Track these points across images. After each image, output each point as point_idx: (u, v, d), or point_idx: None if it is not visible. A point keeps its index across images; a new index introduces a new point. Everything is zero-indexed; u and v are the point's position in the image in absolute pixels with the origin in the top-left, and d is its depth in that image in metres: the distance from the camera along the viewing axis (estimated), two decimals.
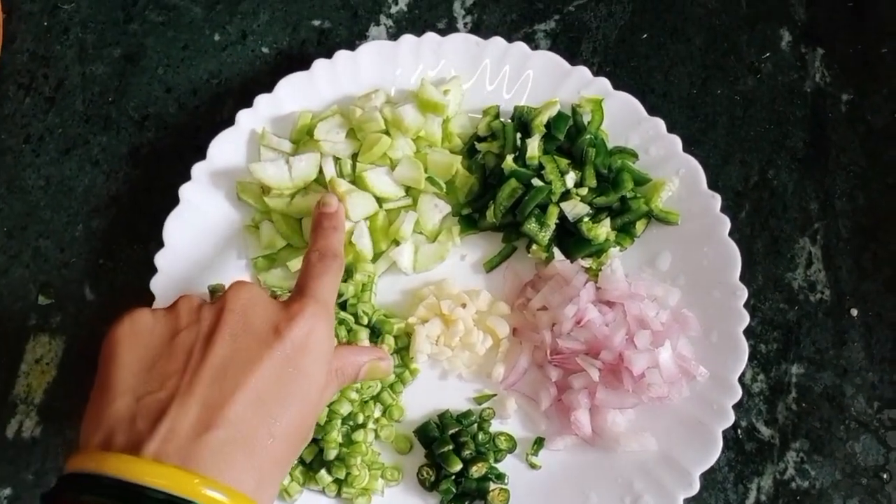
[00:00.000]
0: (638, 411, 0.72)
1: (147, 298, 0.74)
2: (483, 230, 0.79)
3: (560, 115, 0.79)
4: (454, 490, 0.70)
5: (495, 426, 0.74)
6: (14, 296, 0.80)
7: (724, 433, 0.70)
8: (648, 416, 0.72)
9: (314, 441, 0.70)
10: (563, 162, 0.77)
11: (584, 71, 0.80)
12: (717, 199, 0.75)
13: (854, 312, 0.79)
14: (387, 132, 0.78)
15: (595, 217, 0.77)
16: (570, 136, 0.78)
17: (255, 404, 0.49)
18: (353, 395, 0.70)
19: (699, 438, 0.70)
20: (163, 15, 0.90)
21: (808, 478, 0.75)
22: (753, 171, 0.84)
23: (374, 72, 0.82)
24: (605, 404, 0.71)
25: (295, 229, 0.77)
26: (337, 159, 0.78)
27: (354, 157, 0.79)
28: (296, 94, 0.80)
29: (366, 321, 0.74)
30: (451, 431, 0.72)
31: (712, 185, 0.77)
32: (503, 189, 0.76)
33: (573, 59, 0.82)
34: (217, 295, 0.70)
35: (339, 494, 0.71)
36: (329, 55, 0.81)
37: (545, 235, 0.75)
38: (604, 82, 0.80)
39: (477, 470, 0.70)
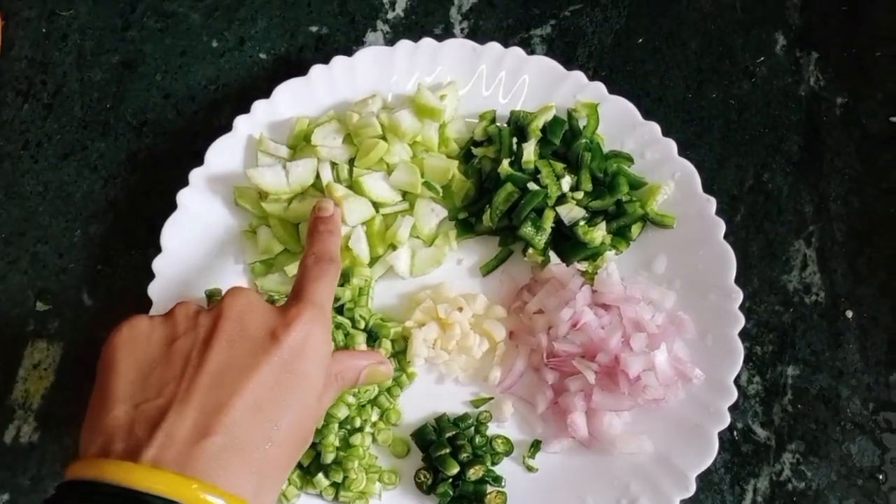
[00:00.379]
0: (634, 414, 0.73)
1: (145, 304, 0.74)
2: (479, 234, 0.80)
3: (556, 119, 0.79)
4: (451, 493, 0.71)
5: (492, 429, 0.74)
6: (12, 301, 0.80)
7: (720, 435, 0.70)
8: (644, 419, 0.72)
9: (312, 445, 0.70)
10: (559, 166, 0.78)
11: (579, 75, 0.81)
12: (712, 203, 0.76)
13: (849, 314, 0.80)
14: (383, 137, 0.78)
15: (591, 221, 0.77)
16: (566, 140, 0.79)
17: (252, 410, 0.49)
18: (351, 399, 0.71)
19: (695, 440, 0.70)
20: (161, 22, 0.90)
21: (805, 479, 0.75)
22: (748, 174, 0.84)
23: (371, 77, 0.82)
24: (602, 407, 0.71)
25: (292, 234, 0.77)
26: (334, 164, 0.79)
27: (351, 162, 0.79)
28: (293, 99, 0.81)
29: (363, 325, 0.74)
30: (448, 435, 0.72)
31: (707, 189, 0.78)
32: (499, 193, 0.76)
33: (569, 64, 0.82)
34: (214, 300, 0.71)
35: (336, 498, 0.71)
36: (327, 61, 0.81)
37: (541, 239, 0.76)
38: (599, 87, 0.80)
39: (474, 473, 0.70)
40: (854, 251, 0.82)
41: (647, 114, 0.80)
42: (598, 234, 0.76)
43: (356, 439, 0.71)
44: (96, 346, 0.77)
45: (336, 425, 0.70)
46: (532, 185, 0.76)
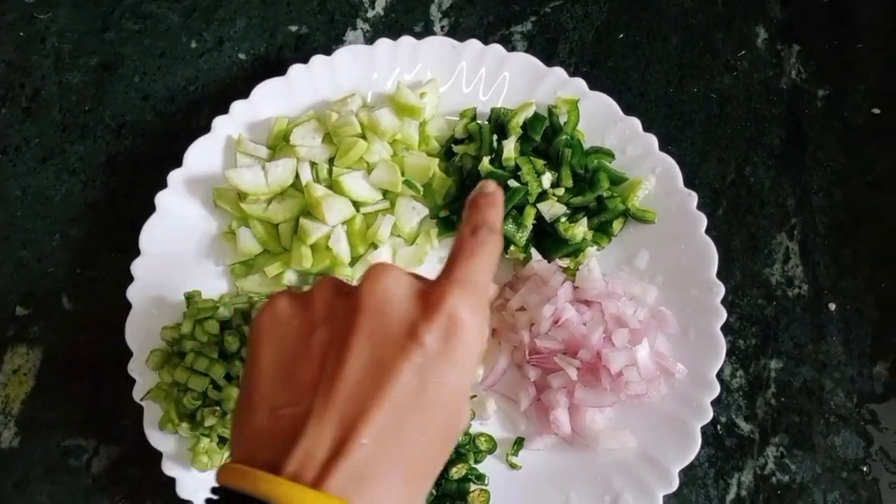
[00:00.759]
0: (617, 409, 0.73)
1: (126, 307, 0.73)
2: None
3: (536, 116, 0.79)
4: (434, 492, 0.70)
5: (475, 427, 0.74)
6: None
7: (704, 429, 0.70)
8: (627, 414, 0.72)
9: None
10: (540, 163, 0.77)
11: (559, 72, 0.80)
12: (693, 197, 0.75)
13: (832, 307, 0.80)
14: (363, 136, 0.78)
15: (572, 217, 0.77)
16: (547, 136, 0.79)
17: (393, 422, 0.45)
18: None
19: (678, 435, 0.70)
20: (139, 23, 0.90)
21: (789, 472, 0.75)
22: (730, 168, 0.84)
23: (351, 76, 0.82)
24: (584, 403, 0.71)
25: (272, 235, 0.77)
26: (313, 164, 0.78)
27: (331, 161, 0.79)
28: (272, 99, 0.80)
29: None
30: None
31: (689, 183, 0.78)
32: None
33: (550, 61, 0.82)
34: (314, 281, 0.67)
35: None
36: (306, 60, 0.81)
37: (522, 236, 0.76)
38: (579, 83, 0.80)
39: (457, 471, 0.70)
40: (836, 243, 0.82)
41: (629, 109, 0.80)
42: (580, 230, 0.75)
43: None
44: (77, 349, 0.78)
45: None
46: (513, 183, 0.76)
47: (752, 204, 0.83)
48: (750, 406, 0.77)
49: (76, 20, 0.90)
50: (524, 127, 0.78)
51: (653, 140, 0.78)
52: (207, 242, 0.78)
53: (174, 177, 0.77)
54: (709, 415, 0.70)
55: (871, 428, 0.76)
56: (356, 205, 0.78)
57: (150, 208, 0.76)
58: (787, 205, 0.83)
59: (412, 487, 0.45)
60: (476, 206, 0.53)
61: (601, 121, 0.79)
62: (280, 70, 0.81)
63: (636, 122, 0.78)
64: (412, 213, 0.79)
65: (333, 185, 0.77)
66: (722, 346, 0.71)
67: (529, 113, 0.79)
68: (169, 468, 0.71)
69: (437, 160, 0.79)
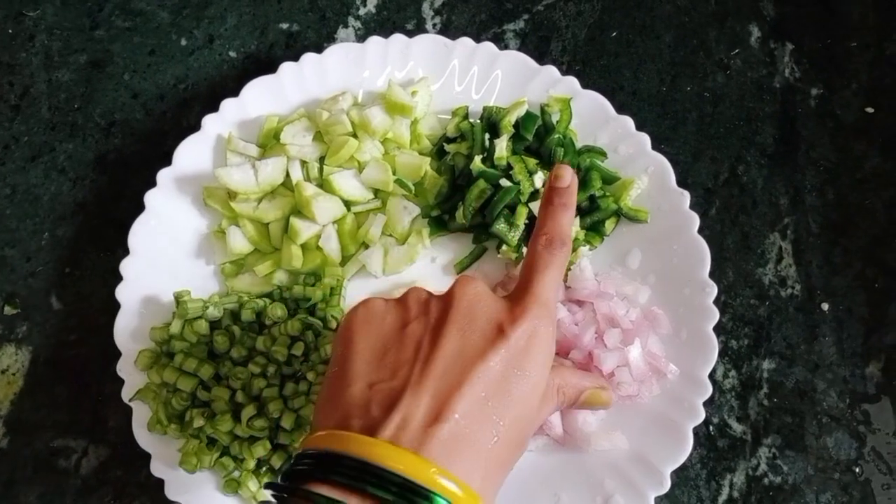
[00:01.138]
0: (609, 410, 0.72)
1: (115, 307, 0.73)
2: (453, 232, 0.79)
3: (528, 114, 0.78)
4: None
5: None
6: None
7: (696, 430, 0.69)
8: (619, 415, 0.72)
9: (282, 447, 0.70)
10: (532, 162, 0.77)
11: (552, 70, 0.80)
12: (686, 197, 0.75)
13: (825, 307, 0.79)
14: (354, 135, 0.77)
15: None
16: (539, 135, 0.78)
17: (480, 402, 0.49)
18: None
19: (670, 436, 0.69)
20: (129, 20, 0.89)
21: (781, 473, 0.75)
22: (723, 167, 0.84)
23: (342, 74, 0.81)
24: None
25: (262, 234, 0.77)
26: (304, 163, 0.78)
27: (322, 160, 0.78)
28: (262, 97, 0.80)
29: (334, 325, 0.73)
30: None
31: (682, 183, 0.77)
32: (472, 190, 0.75)
33: (543, 59, 0.82)
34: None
35: None
36: (297, 58, 0.80)
37: (515, 236, 0.75)
38: (572, 81, 0.79)
39: None
40: (829, 243, 0.81)
41: (622, 108, 0.80)
42: (572, 229, 0.75)
43: None
44: (65, 349, 0.78)
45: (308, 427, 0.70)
46: (505, 182, 0.75)
47: (745, 203, 0.83)
48: (742, 407, 0.77)
49: (65, 18, 0.89)
50: (516, 126, 0.78)
51: (645, 139, 0.77)
52: (197, 242, 0.78)
53: (164, 176, 0.76)
54: (701, 416, 0.69)
55: (863, 429, 0.76)
56: (347, 204, 0.77)
57: (140, 207, 0.75)
58: (780, 204, 0.83)
59: (492, 471, 0.49)
60: (551, 209, 0.61)
61: (593, 120, 0.79)
62: (271, 68, 0.80)
63: (629, 121, 0.78)
64: (403, 212, 0.78)
65: (324, 184, 0.77)
66: (714, 346, 0.71)
67: (521, 112, 0.78)
68: (157, 469, 0.70)
69: (428, 159, 0.79)
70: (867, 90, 0.87)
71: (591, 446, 0.70)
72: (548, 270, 0.57)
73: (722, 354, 0.77)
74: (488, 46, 0.81)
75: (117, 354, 0.72)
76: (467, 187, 0.76)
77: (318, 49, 0.81)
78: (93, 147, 0.85)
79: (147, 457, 0.70)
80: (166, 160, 0.77)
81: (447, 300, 0.55)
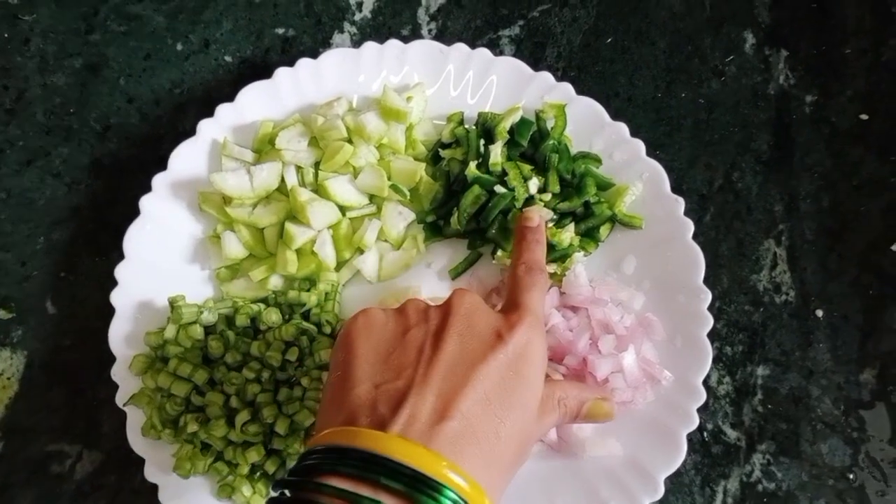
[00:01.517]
0: None
1: (109, 311, 0.73)
2: (448, 237, 0.79)
3: (523, 120, 0.78)
4: None
5: None
6: None
7: (691, 436, 0.70)
8: (613, 422, 0.71)
9: (276, 452, 0.70)
10: (527, 168, 0.77)
11: (547, 76, 0.80)
12: (680, 203, 0.75)
13: (819, 313, 0.80)
14: (349, 140, 0.77)
15: (559, 222, 0.76)
16: (534, 141, 0.78)
17: (482, 402, 0.51)
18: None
19: (664, 443, 0.70)
20: (125, 24, 0.89)
21: (775, 480, 0.75)
22: (718, 173, 0.84)
23: (337, 80, 0.81)
24: None
25: (258, 239, 0.77)
26: (299, 168, 0.78)
27: (317, 165, 0.78)
28: (258, 102, 0.80)
29: (329, 331, 0.73)
30: None
31: (677, 189, 0.77)
32: (466, 196, 0.75)
33: (538, 65, 0.82)
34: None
35: None
36: (293, 63, 0.80)
37: (509, 242, 0.75)
38: (567, 87, 0.79)
39: None
40: (824, 249, 0.82)
41: (617, 114, 0.80)
42: (567, 235, 0.75)
43: None
44: (60, 354, 0.78)
45: (303, 433, 0.70)
46: (500, 188, 0.75)
47: (740, 210, 0.83)
48: (737, 413, 0.77)
49: (60, 21, 0.89)
50: (511, 132, 0.78)
51: (640, 145, 0.77)
52: (192, 246, 0.78)
53: (159, 180, 0.76)
54: (695, 422, 0.69)
55: (857, 435, 0.76)
56: (342, 209, 0.77)
57: (135, 212, 0.75)
58: (775, 210, 0.83)
59: (495, 470, 0.50)
60: (525, 243, 0.68)
61: (588, 126, 0.79)
62: (266, 73, 0.80)
63: (623, 128, 0.78)
64: (399, 217, 0.78)
65: (319, 190, 0.77)
66: (708, 353, 0.71)
67: (516, 118, 0.78)
68: (152, 475, 0.70)
69: (423, 164, 0.79)
70: (862, 97, 0.87)
71: (585, 452, 0.70)
72: (534, 289, 0.62)
73: (716, 360, 0.77)
74: (483, 52, 0.81)
75: (112, 359, 0.72)
76: (462, 193, 0.76)
77: (314, 54, 0.81)
78: (88, 151, 0.85)
79: (141, 462, 0.70)
80: (161, 165, 0.77)
81: (446, 309, 0.57)
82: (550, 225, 0.75)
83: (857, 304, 0.80)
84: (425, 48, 0.82)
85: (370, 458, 0.46)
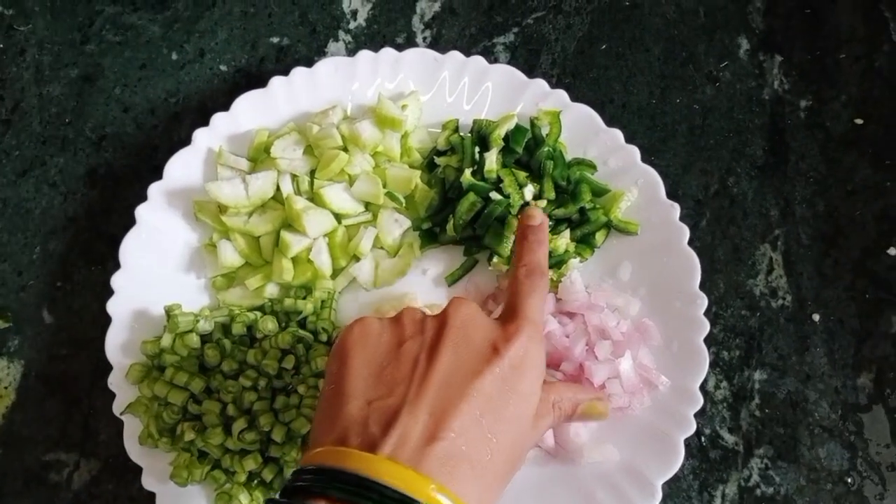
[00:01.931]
0: (600, 422, 0.72)
1: (106, 321, 0.73)
2: (444, 244, 0.79)
3: (518, 127, 0.79)
4: None
5: None
6: None
7: (688, 441, 0.69)
8: (610, 427, 0.72)
9: (273, 460, 0.70)
10: (522, 175, 0.77)
11: (541, 83, 0.80)
12: (675, 209, 0.75)
13: (816, 318, 0.80)
14: (344, 148, 0.78)
15: (554, 229, 0.77)
16: (529, 148, 0.78)
17: (475, 419, 0.51)
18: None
19: (661, 448, 0.69)
20: (120, 34, 0.89)
21: (773, 484, 0.75)
22: (713, 179, 0.84)
23: (332, 88, 0.81)
24: None
25: (253, 248, 0.77)
26: (294, 176, 0.78)
27: (312, 173, 0.78)
28: (253, 111, 0.80)
29: (325, 338, 0.73)
30: None
31: (672, 195, 0.77)
32: (462, 203, 0.75)
33: (532, 72, 0.82)
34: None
35: None
36: (288, 72, 0.80)
37: (506, 248, 0.75)
38: (561, 94, 0.80)
39: None
40: (820, 254, 0.82)
41: (612, 120, 0.80)
42: (562, 241, 0.75)
43: None
44: (57, 363, 0.78)
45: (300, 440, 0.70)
46: (495, 195, 0.75)
47: (735, 215, 0.83)
48: (734, 418, 0.77)
49: (56, 32, 0.89)
50: (506, 139, 0.78)
51: (635, 152, 0.78)
52: (188, 255, 0.78)
53: (154, 189, 0.76)
54: (692, 427, 0.69)
55: (855, 439, 0.76)
56: (338, 217, 0.77)
57: (131, 221, 0.75)
58: (771, 215, 0.83)
59: (487, 487, 0.50)
60: (527, 244, 0.65)
61: (583, 132, 0.79)
62: (262, 82, 0.80)
63: (618, 134, 0.78)
64: (394, 225, 0.78)
65: (315, 198, 0.77)
66: (705, 357, 0.71)
67: (511, 125, 0.79)
68: (149, 483, 0.70)
69: (419, 172, 0.79)
70: (856, 102, 0.87)
71: (582, 458, 0.70)
72: (533, 294, 0.60)
73: (713, 365, 0.77)
74: (478, 60, 0.81)
75: (108, 368, 0.72)
76: (457, 200, 0.76)
77: (309, 63, 0.82)
78: (84, 161, 0.85)
79: (138, 470, 0.70)
80: (157, 174, 0.77)
81: (442, 320, 0.56)
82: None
83: (853, 309, 0.80)
84: (420, 56, 0.82)
85: (359, 482, 0.46)
